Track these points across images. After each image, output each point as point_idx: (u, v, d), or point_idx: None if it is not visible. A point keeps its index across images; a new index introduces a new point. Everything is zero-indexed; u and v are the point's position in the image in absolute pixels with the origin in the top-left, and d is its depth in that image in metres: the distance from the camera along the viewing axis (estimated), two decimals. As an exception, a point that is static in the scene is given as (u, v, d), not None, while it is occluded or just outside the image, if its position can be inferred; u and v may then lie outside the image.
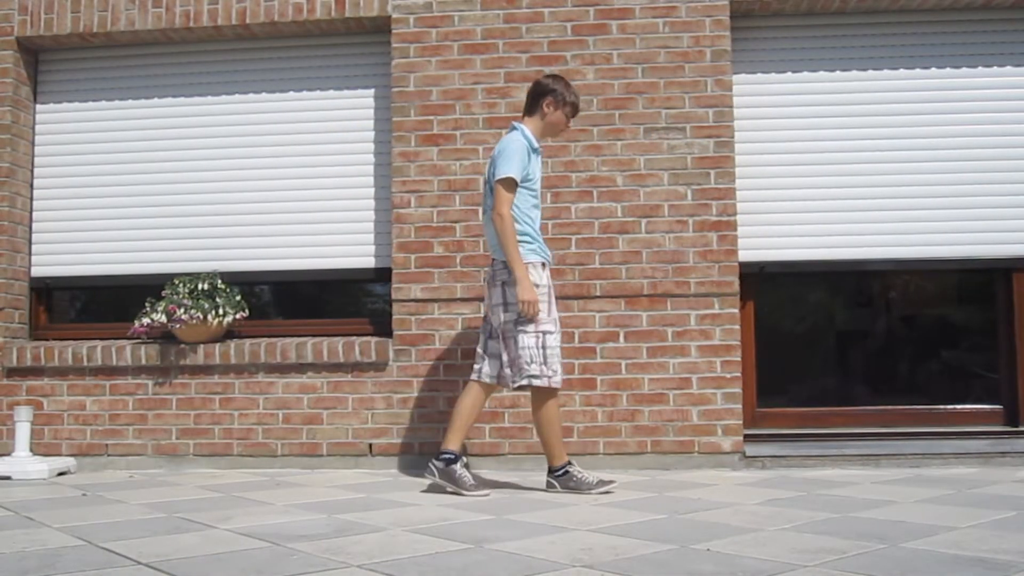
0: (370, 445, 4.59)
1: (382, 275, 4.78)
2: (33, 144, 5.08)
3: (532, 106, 3.93)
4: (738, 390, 4.46)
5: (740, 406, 4.45)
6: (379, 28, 4.80)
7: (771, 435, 4.57)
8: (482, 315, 4.56)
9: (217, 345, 4.67)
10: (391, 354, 4.59)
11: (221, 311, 4.62)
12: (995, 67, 4.70)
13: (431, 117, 4.65)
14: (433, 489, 3.81)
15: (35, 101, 5.10)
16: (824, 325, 5.00)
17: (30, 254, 5.04)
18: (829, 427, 4.62)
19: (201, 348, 4.67)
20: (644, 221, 4.54)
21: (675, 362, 4.47)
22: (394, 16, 4.69)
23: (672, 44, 4.59)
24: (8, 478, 4.36)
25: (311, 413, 4.62)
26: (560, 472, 3.81)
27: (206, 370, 4.69)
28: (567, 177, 4.53)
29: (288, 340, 4.67)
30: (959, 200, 4.65)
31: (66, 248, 5.02)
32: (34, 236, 5.06)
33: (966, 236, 4.63)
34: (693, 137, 4.55)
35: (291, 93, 4.95)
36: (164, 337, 4.77)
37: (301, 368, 4.64)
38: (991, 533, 2.81)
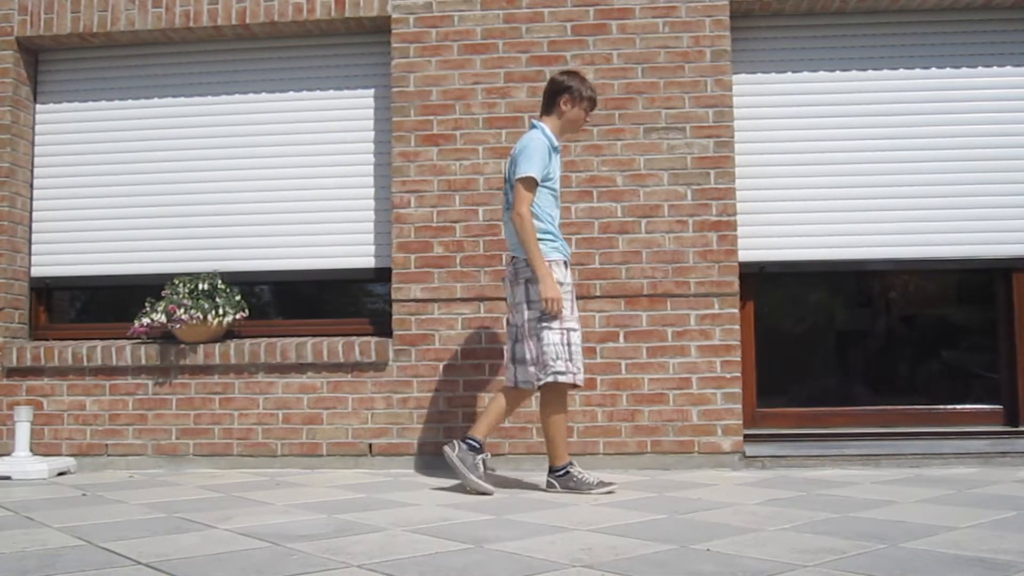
0: (370, 445, 4.59)
1: (382, 275, 4.78)
2: (33, 144, 5.08)
3: (549, 105, 3.92)
4: (738, 390, 4.46)
5: (740, 406, 4.45)
6: (379, 28, 4.80)
7: (771, 435, 4.57)
8: (481, 315, 4.58)
9: (217, 345, 4.67)
10: (391, 354, 4.59)
11: (221, 311, 4.62)
12: (995, 67, 4.70)
13: (431, 117, 4.66)
14: (446, 465, 3.83)
15: (35, 101, 5.10)
16: (824, 325, 5.00)
17: (30, 254, 5.04)
18: (829, 427, 4.62)
19: (201, 348, 4.67)
20: (644, 221, 4.54)
21: (675, 362, 4.47)
22: (394, 16, 4.69)
23: (672, 44, 4.59)
24: (8, 478, 4.36)
25: (311, 413, 4.62)
26: (561, 472, 3.81)
27: (206, 370, 4.69)
28: (567, 177, 4.53)
29: (288, 340, 4.67)
30: (959, 200, 4.65)
31: (66, 248, 5.02)
32: (34, 236, 5.06)
33: (966, 236, 4.64)
34: (693, 137, 4.55)
35: (291, 93, 4.95)
36: (164, 337, 4.77)
37: (301, 368, 4.64)
38: (991, 533, 2.81)
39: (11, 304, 4.89)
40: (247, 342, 4.68)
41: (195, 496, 3.80)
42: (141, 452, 4.71)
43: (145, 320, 4.65)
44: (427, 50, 4.67)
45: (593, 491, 3.73)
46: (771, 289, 4.78)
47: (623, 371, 4.48)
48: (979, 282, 4.83)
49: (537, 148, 3.76)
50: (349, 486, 4.03)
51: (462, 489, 3.81)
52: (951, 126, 4.68)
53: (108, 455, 4.73)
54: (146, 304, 4.70)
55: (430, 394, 4.56)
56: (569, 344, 3.74)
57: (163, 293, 4.67)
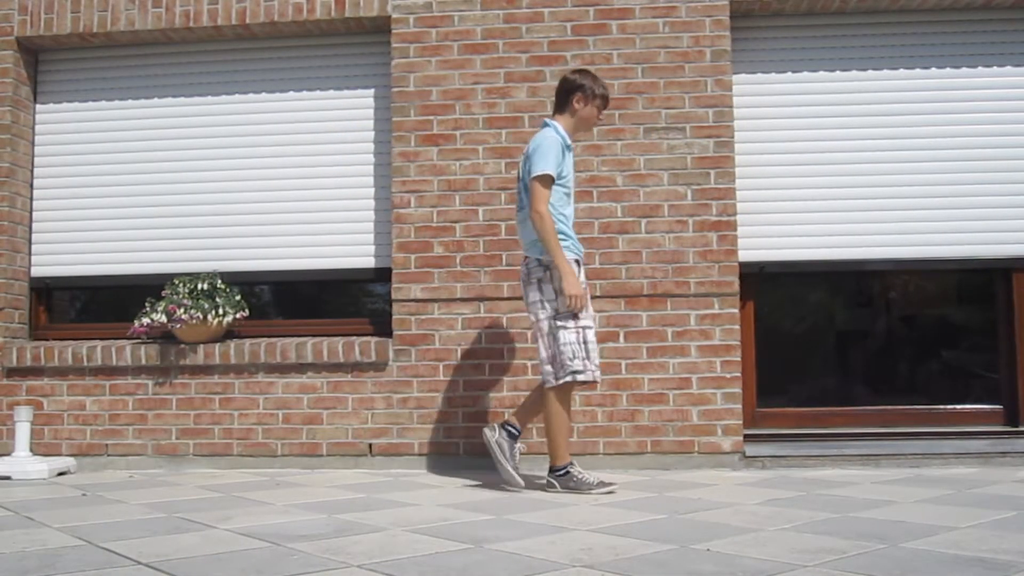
0: (370, 445, 4.59)
1: (382, 275, 4.78)
2: (33, 144, 5.08)
3: (562, 103, 3.92)
4: (738, 390, 4.46)
5: (740, 406, 4.45)
6: (379, 28, 4.80)
7: (771, 435, 4.57)
8: (481, 315, 4.57)
9: (217, 345, 4.67)
10: (391, 354, 4.59)
11: (221, 311, 4.62)
12: (995, 67, 4.70)
13: (431, 117, 4.66)
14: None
15: (35, 101, 5.10)
16: (824, 325, 5.00)
17: (30, 254, 5.04)
18: (829, 427, 4.62)
19: (201, 348, 4.67)
20: (644, 221, 4.54)
21: (675, 362, 4.47)
22: (394, 16, 4.69)
23: (672, 44, 4.59)
24: (8, 478, 4.36)
25: (311, 413, 4.62)
26: (561, 472, 3.81)
27: (206, 370, 4.69)
28: (567, 177, 4.52)
29: (288, 340, 4.67)
30: (959, 200, 4.65)
31: (66, 248, 5.02)
32: (34, 236, 5.06)
33: (966, 236, 4.64)
34: (693, 137, 4.55)
35: (291, 93, 4.95)
36: (164, 337, 4.78)
37: (301, 368, 4.64)
38: (991, 533, 2.81)
39: (11, 304, 4.90)
40: (247, 342, 4.68)
41: (195, 496, 3.80)
42: (141, 452, 4.71)
43: (145, 320, 4.65)
44: (427, 50, 4.67)
45: (593, 491, 3.72)
46: (771, 289, 4.78)
47: (623, 371, 4.48)
48: (979, 282, 4.83)
49: (551, 146, 3.75)
50: (349, 486, 4.03)
51: (462, 489, 3.81)
52: (951, 126, 4.68)
53: (108, 455, 4.73)
54: (146, 304, 4.70)
55: (430, 394, 4.56)
56: (586, 342, 3.75)
57: (163, 293, 4.67)
